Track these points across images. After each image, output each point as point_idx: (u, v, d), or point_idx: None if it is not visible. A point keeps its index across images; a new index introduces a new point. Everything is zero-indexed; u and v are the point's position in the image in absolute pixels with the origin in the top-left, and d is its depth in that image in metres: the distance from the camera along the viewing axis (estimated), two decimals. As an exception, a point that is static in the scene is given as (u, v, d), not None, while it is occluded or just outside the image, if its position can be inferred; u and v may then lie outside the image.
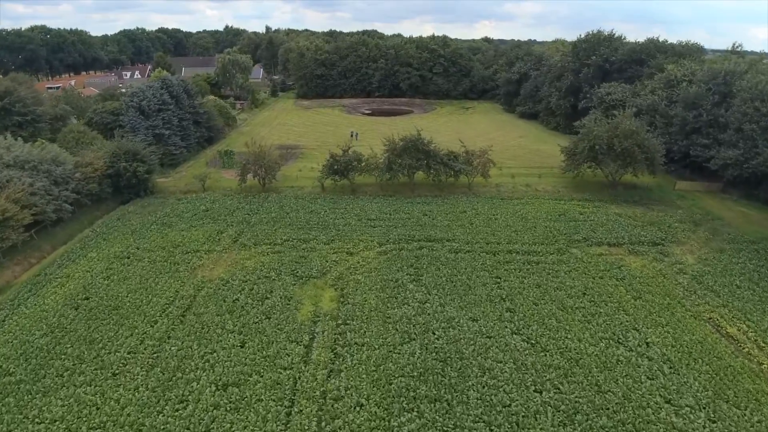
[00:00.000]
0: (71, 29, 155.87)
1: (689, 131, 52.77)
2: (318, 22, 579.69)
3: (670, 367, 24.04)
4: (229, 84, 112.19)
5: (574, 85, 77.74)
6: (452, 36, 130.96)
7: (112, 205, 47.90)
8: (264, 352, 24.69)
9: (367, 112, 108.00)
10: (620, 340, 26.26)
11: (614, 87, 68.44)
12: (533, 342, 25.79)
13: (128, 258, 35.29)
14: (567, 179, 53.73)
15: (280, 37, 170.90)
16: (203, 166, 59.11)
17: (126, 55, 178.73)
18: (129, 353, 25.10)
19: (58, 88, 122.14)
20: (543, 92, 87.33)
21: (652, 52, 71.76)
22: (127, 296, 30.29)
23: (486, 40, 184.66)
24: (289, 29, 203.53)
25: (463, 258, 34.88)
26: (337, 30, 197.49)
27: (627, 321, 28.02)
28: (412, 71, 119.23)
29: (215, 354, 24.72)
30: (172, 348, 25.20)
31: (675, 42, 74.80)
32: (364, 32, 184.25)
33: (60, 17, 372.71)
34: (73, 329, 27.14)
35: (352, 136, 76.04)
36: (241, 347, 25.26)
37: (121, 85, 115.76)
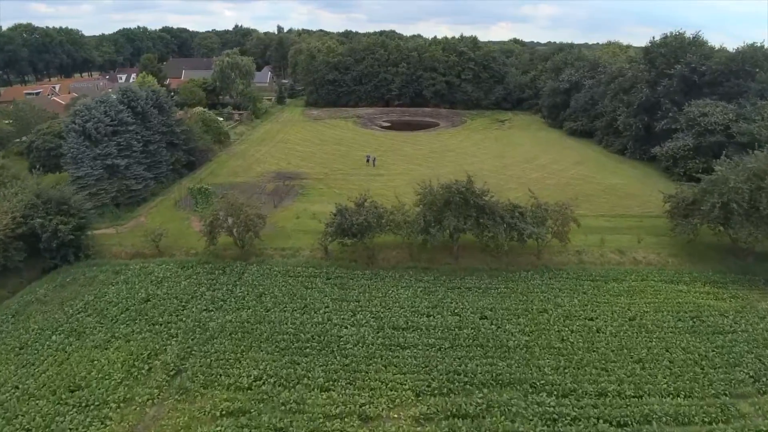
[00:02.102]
0: (60, 28, 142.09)
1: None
2: (333, 23, 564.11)
3: None
4: (228, 90, 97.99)
5: (650, 100, 61.36)
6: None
7: (27, 275, 33.56)
8: None
9: (386, 124, 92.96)
10: None
11: (712, 106, 52.19)
12: None
13: (-13, 414, 20.62)
14: (674, 241, 37.80)
15: (291, 38, 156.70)
16: (170, 209, 44.41)
17: (124, 56, 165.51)
18: None
19: (38, 93, 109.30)
20: (603, 107, 70.87)
21: (760, 62, 55.24)
22: None
23: (516, 41, 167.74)
24: (302, 29, 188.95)
25: (571, 440, 19.28)
26: (353, 31, 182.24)
27: None
28: (437, 77, 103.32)
29: None
30: None
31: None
32: (382, 33, 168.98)
33: (81, 17, 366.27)
34: None
35: (368, 161, 61.13)
36: None
37: (111, 90, 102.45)
